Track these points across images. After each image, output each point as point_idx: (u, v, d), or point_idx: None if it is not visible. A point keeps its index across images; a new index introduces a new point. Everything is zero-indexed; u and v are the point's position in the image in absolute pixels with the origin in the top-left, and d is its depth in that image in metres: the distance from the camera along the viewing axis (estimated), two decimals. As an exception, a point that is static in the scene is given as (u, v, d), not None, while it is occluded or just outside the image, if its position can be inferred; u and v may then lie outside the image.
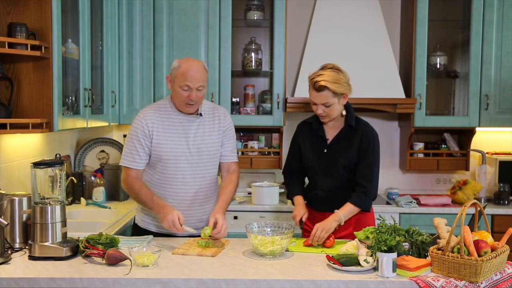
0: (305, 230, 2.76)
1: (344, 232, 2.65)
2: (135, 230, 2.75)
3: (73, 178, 3.42)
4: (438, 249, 2.10)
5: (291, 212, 3.75)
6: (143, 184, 2.57)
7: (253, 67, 4.08)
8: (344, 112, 2.65)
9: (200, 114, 2.61)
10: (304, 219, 2.69)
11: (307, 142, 2.75)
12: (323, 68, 2.61)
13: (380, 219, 2.27)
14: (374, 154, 2.63)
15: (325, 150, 2.69)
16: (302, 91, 3.79)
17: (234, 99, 4.08)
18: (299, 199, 2.78)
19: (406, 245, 2.24)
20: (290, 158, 2.85)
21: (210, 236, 2.42)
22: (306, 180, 2.87)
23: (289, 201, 3.82)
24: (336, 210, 2.59)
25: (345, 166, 2.64)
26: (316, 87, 2.54)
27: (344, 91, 2.57)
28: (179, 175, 2.57)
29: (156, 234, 2.64)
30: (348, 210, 2.59)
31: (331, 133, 2.71)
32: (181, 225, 2.41)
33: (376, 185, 2.67)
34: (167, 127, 2.56)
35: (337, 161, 2.65)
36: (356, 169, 2.64)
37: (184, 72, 2.48)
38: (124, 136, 4.15)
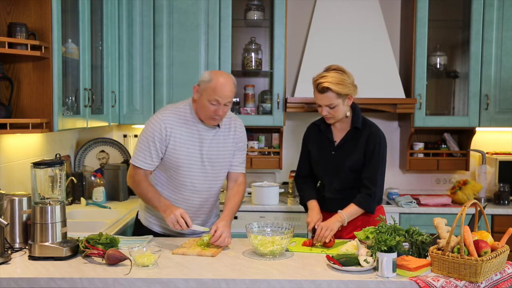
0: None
1: (352, 233, 2.64)
2: (137, 227, 2.76)
3: (73, 178, 3.41)
4: (438, 249, 2.10)
5: (291, 212, 3.78)
6: (150, 184, 2.57)
7: (253, 67, 4.08)
8: (348, 113, 2.65)
9: (218, 126, 2.58)
10: (317, 227, 2.56)
11: (315, 144, 2.75)
12: (327, 69, 2.61)
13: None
14: (379, 156, 2.62)
15: (333, 152, 2.69)
16: (302, 91, 3.79)
17: (234, 99, 4.08)
18: (312, 204, 2.72)
19: (406, 245, 2.24)
20: (301, 162, 2.84)
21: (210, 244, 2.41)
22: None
23: (289, 201, 3.86)
24: (339, 211, 2.58)
25: (351, 168, 2.64)
26: (319, 88, 2.54)
27: (348, 92, 2.56)
28: (189, 183, 2.56)
29: (156, 234, 2.65)
30: (352, 211, 2.59)
31: (338, 135, 2.70)
32: (185, 222, 2.41)
33: (382, 187, 2.66)
34: (184, 134, 2.53)
35: (344, 163, 2.64)
36: (362, 170, 2.64)
37: (215, 87, 2.43)
38: (125, 136, 4.16)
